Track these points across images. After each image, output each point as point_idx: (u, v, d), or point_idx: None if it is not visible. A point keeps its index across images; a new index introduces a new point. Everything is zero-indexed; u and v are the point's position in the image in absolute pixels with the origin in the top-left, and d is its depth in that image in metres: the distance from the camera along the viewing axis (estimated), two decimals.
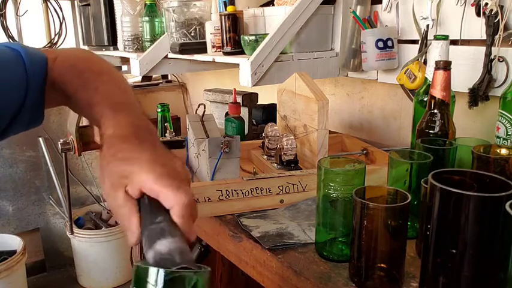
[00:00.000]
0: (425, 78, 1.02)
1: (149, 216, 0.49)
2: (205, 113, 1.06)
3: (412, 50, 1.20)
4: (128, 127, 0.57)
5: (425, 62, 1.12)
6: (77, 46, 2.68)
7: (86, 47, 2.17)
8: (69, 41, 2.58)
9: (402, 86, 1.19)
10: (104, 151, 0.55)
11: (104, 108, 0.61)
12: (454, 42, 1.08)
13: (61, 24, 2.45)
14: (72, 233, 2.22)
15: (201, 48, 1.50)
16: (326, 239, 0.73)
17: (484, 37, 1.02)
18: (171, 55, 1.63)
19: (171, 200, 0.49)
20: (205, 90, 1.73)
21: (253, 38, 1.27)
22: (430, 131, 0.88)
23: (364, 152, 1.10)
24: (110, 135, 0.56)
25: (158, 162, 0.52)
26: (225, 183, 0.89)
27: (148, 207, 0.50)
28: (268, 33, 1.23)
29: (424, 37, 1.13)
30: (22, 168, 2.35)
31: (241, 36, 1.32)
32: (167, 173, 0.51)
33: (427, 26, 1.12)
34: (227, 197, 0.89)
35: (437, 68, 0.87)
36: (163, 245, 0.46)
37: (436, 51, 0.95)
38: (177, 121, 1.75)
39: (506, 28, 0.99)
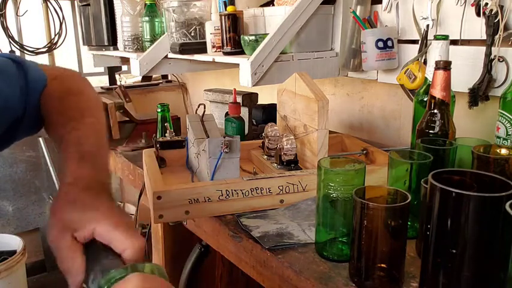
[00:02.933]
0: (425, 78, 1.02)
1: (100, 256, 0.51)
2: (205, 113, 1.06)
3: (412, 50, 1.20)
4: (88, 180, 0.58)
5: (425, 62, 1.12)
6: (77, 46, 2.68)
7: (86, 47, 2.17)
8: (69, 41, 2.58)
9: (402, 86, 1.19)
10: (59, 196, 0.56)
11: (72, 153, 0.63)
12: (454, 42, 1.08)
13: (61, 24, 2.45)
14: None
15: (201, 48, 1.50)
16: (326, 239, 0.73)
17: (484, 37, 1.02)
18: (171, 55, 1.63)
19: (125, 243, 0.51)
20: (205, 90, 1.73)
21: (253, 38, 1.27)
22: (430, 131, 0.88)
23: (364, 152, 1.10)
24: (70, 184, 0.57)
25: (114, 213, 0.54)
26: (225, 183, 0.89)
27: (100, 248, 0.52)
28: (268, 33, 1.23)
29: (424, 37, 1.13)
30: (22, 168, 2.35)
31: (241, 36, 1.32)
32: (121, 221, 0.53)
33: (427, 26, 1.12)
34: (227, 197, 0.89)
35: (437, 68, 0.87)
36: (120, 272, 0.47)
37: (436, 51, 0.95)
38: (177, 121, 1.75)
39: (506, 28, 0.99)
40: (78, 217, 0.52)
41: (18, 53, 2.38)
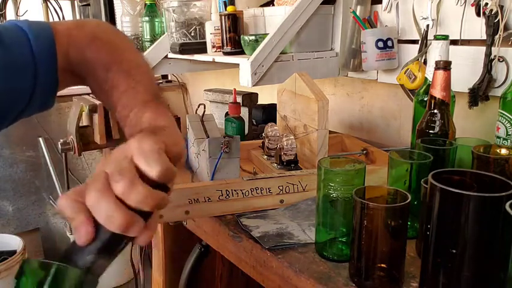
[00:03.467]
0: (425, 78, 1.02)
1: (92, 247, 0.49)
2: (205, 113, 1.06)
3: (412, 50, 1.20)
4: (170, 118, 0.58)
5: (425, 62, 1.12)
6: None
7: None
8: None
9: (402, 86, 1.19)
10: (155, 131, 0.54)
11: (145, 95, 0.61)
12: (454, 42, 1.08)
13: None
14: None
15: (201, 48, 1.50)
16: (326, 239, 0.73)
17: (484, 37, 1.02)
18: (171, 55, 1.63)
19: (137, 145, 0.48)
20: (205, 90, 1.73)
21: (253, 38, 1.27)
22: (430, 131, 0.88)
23: (364, 152, 1.10)
24: (161, 127, 0.56)
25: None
26: (225, 183, 0.89)
27: (98, 241, 0.49)
28: (268, 33, 1.23)
29: (424, 37, 1.13)
30: (22, 168, 2.35)
31: (241, 36, 1.32)
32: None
33: (427, 26, 1.12)
34: (227, 197, 0.89)
35: (437, 68, 0.87)
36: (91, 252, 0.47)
37: (436, 51, 0.95)
38: (177, 121, 1.75)
39: (506, 28, 0.99)
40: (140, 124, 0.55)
41: None
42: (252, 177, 0.91)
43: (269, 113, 1.45)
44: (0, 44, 0.62)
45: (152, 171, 0.47)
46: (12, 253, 2.11)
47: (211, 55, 1.45)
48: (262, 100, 1.54)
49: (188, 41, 1.52)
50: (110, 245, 0.49)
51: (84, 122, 1.61)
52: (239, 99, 1.41)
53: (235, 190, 0.89)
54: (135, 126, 0.59)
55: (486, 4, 1.00)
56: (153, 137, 0.50)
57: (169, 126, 0.57)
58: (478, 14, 1.02)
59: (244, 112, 1.41)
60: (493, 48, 1.01)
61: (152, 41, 1.70)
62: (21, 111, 0.67)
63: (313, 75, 1.07)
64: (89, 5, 2.03)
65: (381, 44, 1.21)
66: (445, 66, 0.86)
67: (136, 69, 0.67)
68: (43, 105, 0.69)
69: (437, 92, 0.87)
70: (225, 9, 1.37)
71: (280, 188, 0.91)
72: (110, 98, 0.66)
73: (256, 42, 1.25)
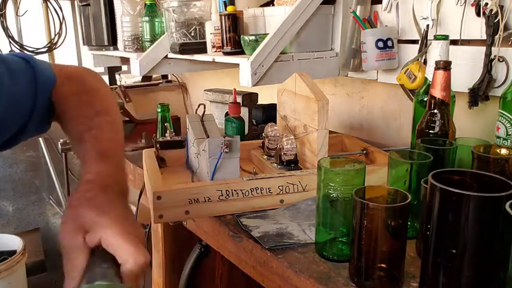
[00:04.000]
0: (425, 78, 1.02)
1: (97, 262, 0.50)
2: (205, 113, 1.06)
3: (412, 50, 1.20)
4: (109, 179, 0.58)
5: (425, 62, 1.12)
6: (77, 46, 2.68)
7: (86, 47, 2.17)
8: (69, 41, 2.58)
9: (402, 86, 1.19)
10: (79, 191, 0.56)
11: (91, 150, 0.63)
12: (454, 42, 1.08)
13: (61, 24, 2.45)
14: None
15: (201, 48, 1.50)
16: (326, 239, 0.73)
17: (484, 37, 1.02)
18: (171, 55, 1.63)
19: (128, 255, 0.50)
20: (205, 90, 1.73)
21: (253, 38, 1.27)
22: (430, 131, 0.88)
23: (364, 152, 1.10)
24: (89, 181, 0.57)
25: (125, 221, 0.53)
26: (225, 183, 0.89)
27: (99, 256, 0.51)
28: (268, 33, 1.23)
29: (424, 37, 1.13)
30: (22, 168, 2.34)
31: (241, 36, 1.32)
32: (131, 232, 0.52)
33: (427, 26, 1.12)
34: (227, 197, 0.89)
35: (437, 68, 0.87)
36: (101, 286, 0.47)
37: (436, 51, 0.95)
38: (177, 121, 1.75)
39: (506, 28, 0.99)
40: (91, 219, 0.52)
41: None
42: (252, 177, 0.91)
43: (269, 113, 1.45)
44: (8, 72, 0.68)
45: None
46: (12, 253, 2.11)
47: (211, 55, 1.45)
48: (262, 100, 1.54)
49: (188, 41, 1.52)
50: None
51: None
52: (239, 99, 1.41)
53: (235, 190, 0.89)
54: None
55: (486, 4, 1.00)
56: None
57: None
58: (478, 14, 1.02)
59: (244, 112, 1.41)
60: (493, 48, 1.01)
61: (152, 41, 1.70)
62: (19, 132, 0.72)
63: (313, 75, 1.07)
64: (89, 5, 2.02)
65: (380, 44, 1.21)
66: (445, 66, 0.86)
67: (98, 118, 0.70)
68: (40, 128, 0.75)
69: (437, 92, 0.87)
70: (225, 9, 1.37)
71: (280, 188, 0.91)
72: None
73: (256, 42, 1.25)
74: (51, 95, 0.73)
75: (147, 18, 1.71)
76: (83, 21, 2.11)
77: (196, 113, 1.06)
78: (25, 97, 0.70)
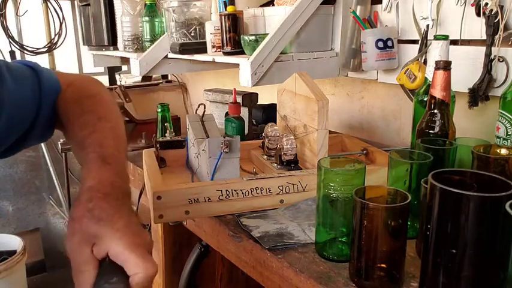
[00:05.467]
0: (425, 78, 1.02)
1: (105, 277, 0.50)
2: (205, 113, 1.06)
3: (412, 50, 1.20)
4: (110, 186, 0.57)
5: (425, 62, 1.12)
6: (77, 46, 2.68)
7: (86, 47, 2.17)
8: (69, 41, 2.58)
9: (402, 86, 1.19)
10: (81, 202, 0.54)
11: (92, 155, 0.62)
12: (454, 42, 1.08)
13: (61, 24, 2.45)
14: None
15: (201, 48, 1.50)
16: (326, 239, 0.73)
17: (484, 37, 1.02)
18: (171, 55, 1.63)
19: (137, 267, 0.49)
20: (205, 90, 1.73)
21: (253, 38, 1.27)
22: (430, 131, 0.88)
23: (364, 152, 1.10)
24: (91, 188, 0.56)
25: (131, 231, 0.52)
26: (225, 183, 0.89)
27: (108, 268, 0.50)
28: (268, 33, 1.23)
29: (424, 37, 1.13)
30: (22, 168, 2.35)
31: (241, 36, 1.32)
32: (138, 243, 0.51)
33: (427, 26, 1.12)
34: (227, 197, 0.89)
35: (437, 68, 0.87)
36: None
37: (436, 51, 0.95)
38: (177, 121, 1.75)
39: (506, 28, 0.99)
40: (96, 231, 0.51)
41: (18, 53, 2.38)
42: (252, 177, 0.91)
43: (269, 113, 1.45)
44: (12, 78, 0.69)
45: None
46: (12, 253, 2.10)
47: (211, 55, 1.45)
48: (262, 100, 1.54)
49: (188, 41, 1.52)
50: None
51: None
52: (239, 99, 1.40)
53: (235, 190, 0.89)
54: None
55: (486, 4, 1.00)
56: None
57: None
58: (478, 14, 1.02)
59: (244, 112, 1.41)
60: (493, 48, 1.01)
61: (152, 41, 1.70)
62: (22, 138, 0.73)
63: (313, 75, 1.07)
64: (89, 5, 2.02)
65: (380, 44, 1.21)
66: (445, 66, 0.86)
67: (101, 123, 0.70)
68: (43, 136, 0.77)
69: (437, 92, 0.87)
70: (225, 9, 1.37)
71: (280, 188, 0.91)
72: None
73: (256, 42, 1.25)
74: (55, 102, 0.74)
75: (147, 18, 1.71)
76: (83, 21, 2.11)
77: (196, 113, 1.06)
78: (29, 103, 0.71)
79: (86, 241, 0.51)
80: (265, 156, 1.11)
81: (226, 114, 1.37)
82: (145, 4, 1.71)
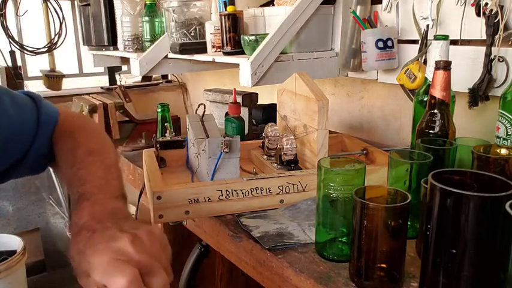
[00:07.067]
0: (425, 78, 1.02)
1: None
2: (205, 113, 1.06)
3: (412, 50, 1.20)
4: (102, 216, 0.58)
5: (425, 62, 1.12)
6: (77, 46, 2.68)
7: (86, 47, 2.17)
8: (69, 41, 2.58)
9: (402, 86, 1.19)
10: (75, 244, 0.55)
11: (74, 195, 0.64)
12: (454, 42, 1.08)
13: (61, 24, 2.45)
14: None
15: (201, 48, 1.50)
16: (326, 239, 0.73)
17: (484, 37, 1.02)
18: (171, 55, 1.63)
19: (117, 284, 0.49)
20: (205, 90, 1.73)
21: (253, 38, 1.27)
22: (430, 131, 0.88)
23: (364, 152, 1.10)
24: (84, 227, 0.57)
25: (110, 250, 0.52)
26: (225, 183, 0.89)
27: None
28: (268, 33, 1.23)
29: (424, 37, 1.13)
30: None
31: (241, 36, 1.32)
32: (113, 262, 0.51)
33: (427, 26, 1.12)
34: (227, 197, 0.89)
35: (437, 68, 0.87)
36: None
37: (436, 51, 0.95)
38: (177, 121, 1.75)
39: (506, 28, 0.99)
40: (86, 268, 0.52)
41: (18, 53, 2.38)
42: (252, 177, 0.91)
43: (269, 113, 1.45)
44: (12, 103, 0.72)
45: None
46: (12, 253, 2.10)
47: (211, 55, 1.45)
48: (262, 100, 1.54)
49: (188, 41, 1.52)
50: None
51: None
52: (239, 99, 1.40)
53: (235, 190, 0.89)
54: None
55: (486, 4, 1.00)
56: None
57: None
58: (478, 14, 1.02)
59: (244, 112, 1.41)
60: (493, 48, 1.01)
61: (152, 41, 1.70)
62: (14, 165, 0.76)
63: (313, 75, 1.07)
64: (89, 5, 2.02)
65: (380, 44, 1.21)
66: (445, 66, 0.86)
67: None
68: (34, 169, 0.79)
69: (437, 92, 0.87)
70: (225, 9, 1.37)
71: (280, 188, 0.91)
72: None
73: (256, 42, 1.25)
74: (51, 134, 0.76)
75: (147, 18, 1.71)
76: (82, 21, 2.11)
77: (196, 113, 1.06)
78: (26, 130, 0.73)
79: (84, 273, 0.53)
80: (265, 156, 1.11)
81: (226, 114, 1.37)
82: (145, 4, 1.71)
